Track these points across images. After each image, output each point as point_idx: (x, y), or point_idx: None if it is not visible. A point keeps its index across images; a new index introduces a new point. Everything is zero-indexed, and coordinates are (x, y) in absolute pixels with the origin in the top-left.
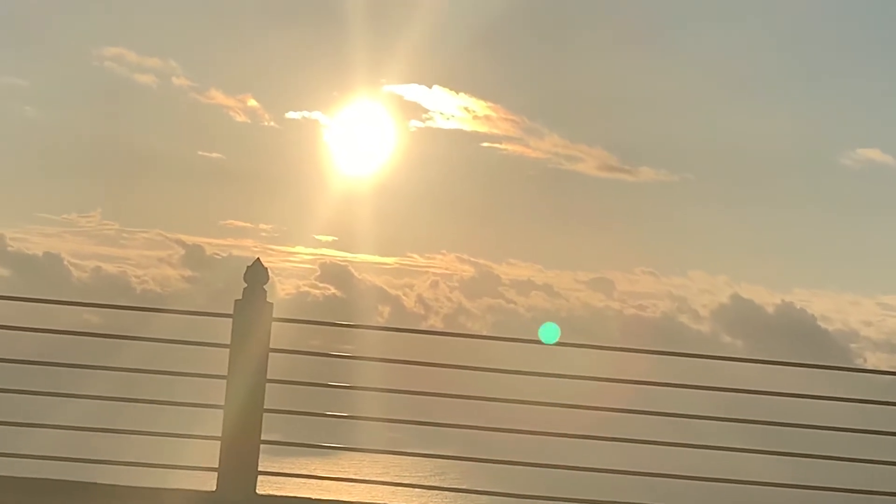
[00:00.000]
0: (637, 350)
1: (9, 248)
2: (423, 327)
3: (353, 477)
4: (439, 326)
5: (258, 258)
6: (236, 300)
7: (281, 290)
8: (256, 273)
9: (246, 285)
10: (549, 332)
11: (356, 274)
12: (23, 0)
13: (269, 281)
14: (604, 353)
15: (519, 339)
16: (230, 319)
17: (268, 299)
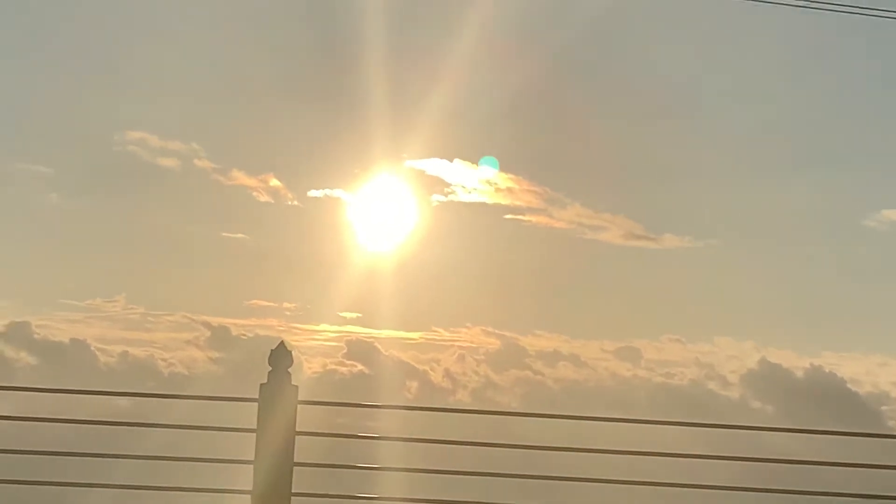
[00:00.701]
0: (668, 423)
1: (35, 336)
2: (451, 401)
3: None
4: (467, 400)
5: (282, 341)
6: (261, 384)
7: (308, 368)
8: (280, 356)
9: (270, 369)
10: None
11: (383, 350)
12: (44, 88)
13: (294, 363)
14: (636, 425)
15: (544, 415)
16: (256, 403)
17: (293, 381)
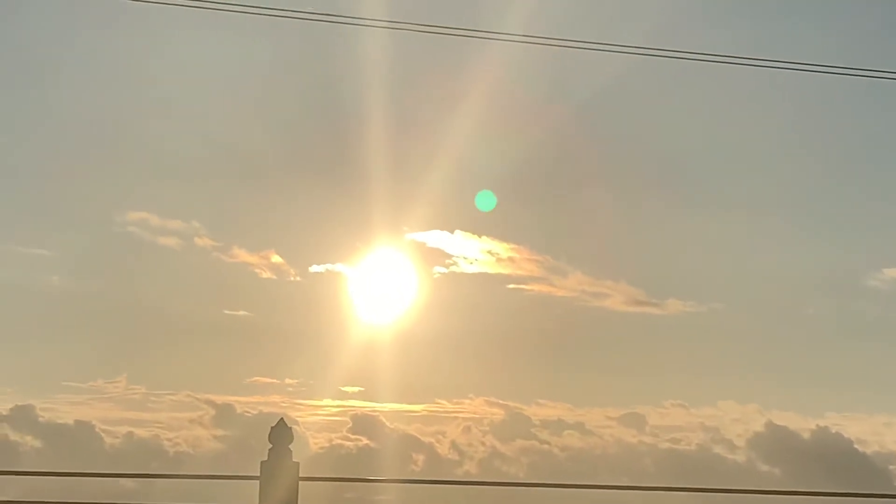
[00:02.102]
0: (677, 489)
1: (40, 419)
2: (459, 473)
3: None
4: (475, 471)
5: (281, 418)
6: (262, 461)
7: (314, 443)
8: (280, 433)
9: (271, 446)
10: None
11: (388, 423)
12: (44, 171)
13: (297, 439)
14: (645, 492)
15: (553, 485)
16: (258, 481)
17: (295, 458)
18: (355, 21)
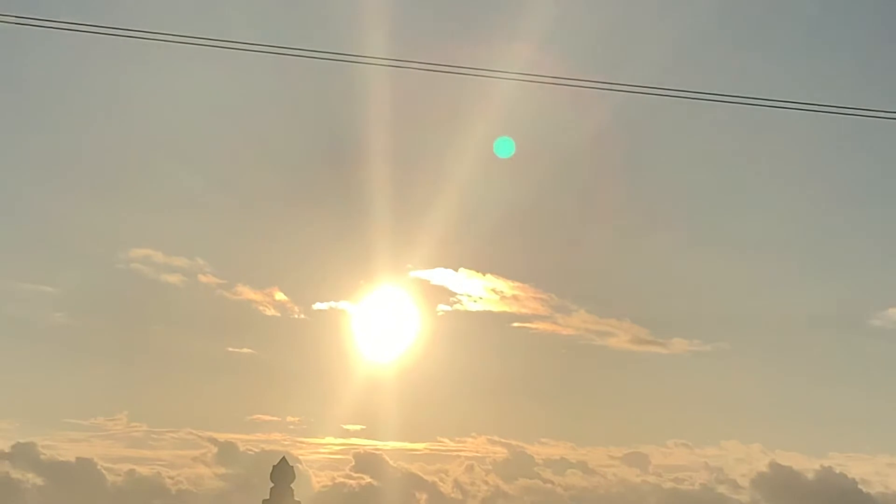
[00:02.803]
0: None
1: (41, 457)
2: None
3: None
4: None
5: (283, 457)
6: (264, 500)
7: (317, 482)
8: (282, 472)
9: (273, 485)
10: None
11: (391, 462)
12: (49, 208)
13: (299, 477)
14: None
15: None
16: None
17: (297, 496)
18: (359, 59)
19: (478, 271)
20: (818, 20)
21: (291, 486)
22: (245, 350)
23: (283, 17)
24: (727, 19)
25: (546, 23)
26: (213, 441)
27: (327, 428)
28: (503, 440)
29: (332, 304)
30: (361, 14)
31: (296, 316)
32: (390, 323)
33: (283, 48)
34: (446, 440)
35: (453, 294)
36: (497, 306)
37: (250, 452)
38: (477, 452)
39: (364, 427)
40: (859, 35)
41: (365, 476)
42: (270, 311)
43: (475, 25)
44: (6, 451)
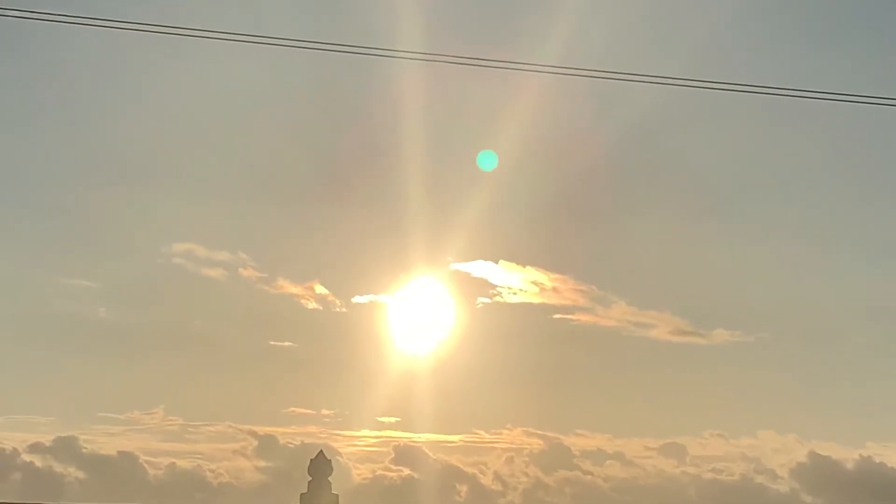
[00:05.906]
0: None
1: (83, 451)
2: (502, 503)
3: None
4: (518, 502)
5: (321, 450)
6: (301, 493)
7: (357, 474)
8: (320, 465)
9: (310, 478)
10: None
11: (430, 454)
12: (91, 204)
13: (337, 471)
14: None
15: None
16: None
17: (335, 489)
18: (395, 53)
19: (518, 263)
20: (856, 8)
21: (329, 479)
22: (286, 343)
23: (321, 12)
24: (763, 8)
25: (581, 13)
26: (253, 434)
27: (363, 420)
28: (539, 432)
29: (372, 297)
30: (397, 9)
31: (337, 309)
32: (429, 315)
33: (321, 43)
34: (482, 432)
35: (493, 286)
36: (537, 298)
37: (290, 445)
38: (513, 444)
39: (399, 419)
40: None
41: (405, 468)
42: (312, 305)
43: (510, 19)
44: (48, 445)
